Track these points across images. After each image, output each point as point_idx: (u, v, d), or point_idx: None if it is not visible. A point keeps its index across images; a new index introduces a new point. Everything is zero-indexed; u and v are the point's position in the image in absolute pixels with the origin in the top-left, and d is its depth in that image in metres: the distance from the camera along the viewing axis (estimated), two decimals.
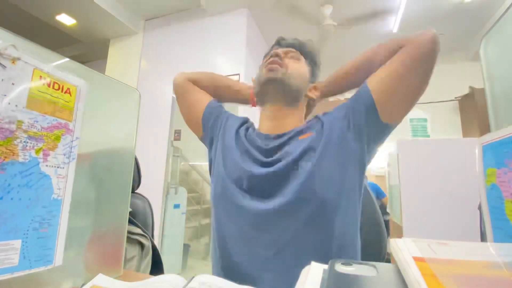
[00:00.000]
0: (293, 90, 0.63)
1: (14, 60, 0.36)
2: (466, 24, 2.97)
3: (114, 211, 0.54)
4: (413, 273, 0.20)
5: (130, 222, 0.74)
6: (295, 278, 0.26)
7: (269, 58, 0.65)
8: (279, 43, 0.72)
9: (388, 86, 0.53)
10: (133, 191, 0.92)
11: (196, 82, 0.74)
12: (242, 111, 2.20)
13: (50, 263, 0.40)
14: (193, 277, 0.41)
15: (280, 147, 0.59)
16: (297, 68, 0.65)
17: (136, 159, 0.83)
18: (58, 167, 0.41)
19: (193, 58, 2.64)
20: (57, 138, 0.41)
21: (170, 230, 2.53)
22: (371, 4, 2.56)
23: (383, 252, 0.72)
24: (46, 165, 0.39)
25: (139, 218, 0.85)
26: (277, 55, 0.64)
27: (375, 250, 0.72)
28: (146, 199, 0.94)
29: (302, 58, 0.68)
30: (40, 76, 0.39)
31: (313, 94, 0.68)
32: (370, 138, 0.56)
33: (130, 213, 0.80)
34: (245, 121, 0.71)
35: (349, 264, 0.24)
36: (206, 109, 0.71)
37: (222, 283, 0.42)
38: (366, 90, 0.55)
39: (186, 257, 2.81)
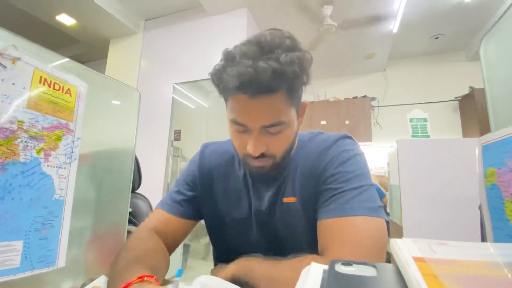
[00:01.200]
0: (283, 160, 0.57)
1: (14, 60, 0.36)
2: (466, 24, 2.96)
3: (114, 211, 0.54)
4: (413, 273, 0.20)
5: (130, 222, 0.74)
6: None
7: (247, 151, 0.50)
8: (244, 91, 0.46)
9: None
10: (133, 191, 0.92)
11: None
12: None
13: (53, 265, 0.40)
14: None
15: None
16: (282, 144, 0.53)
17: (136, 159, 0.83)
18: (59, 168, 0.41)
19: (193, 58, 2.64)
20: (58, 138, 0.41)
21: None
22: (371, 4, 2.56)
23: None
24: (48, 165, 0.39)
25: (140, 218, 0.85)
26: (261, 154, 0.51)
27: None
28: (147, 199, 0.95)
29: (284, 124, 0.50)
30: (41, 76, 0.39)
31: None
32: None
33: (131, 213, 0.80)
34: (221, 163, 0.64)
35: (349, 264, 0.24)
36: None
37: (220, 284, 0.42)
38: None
39: (186, 257, 2.81)
